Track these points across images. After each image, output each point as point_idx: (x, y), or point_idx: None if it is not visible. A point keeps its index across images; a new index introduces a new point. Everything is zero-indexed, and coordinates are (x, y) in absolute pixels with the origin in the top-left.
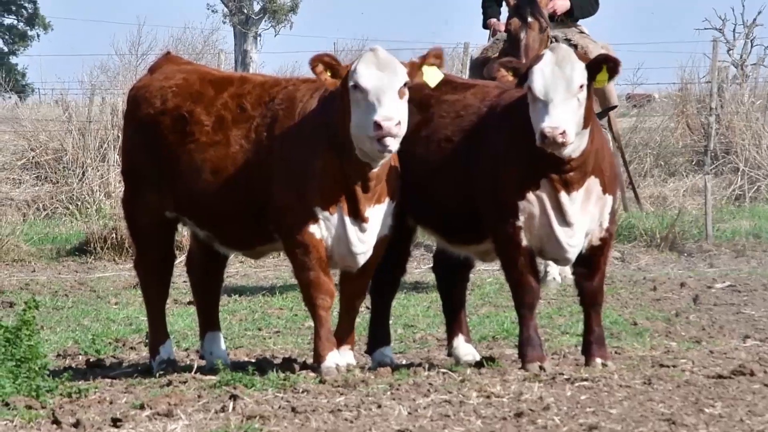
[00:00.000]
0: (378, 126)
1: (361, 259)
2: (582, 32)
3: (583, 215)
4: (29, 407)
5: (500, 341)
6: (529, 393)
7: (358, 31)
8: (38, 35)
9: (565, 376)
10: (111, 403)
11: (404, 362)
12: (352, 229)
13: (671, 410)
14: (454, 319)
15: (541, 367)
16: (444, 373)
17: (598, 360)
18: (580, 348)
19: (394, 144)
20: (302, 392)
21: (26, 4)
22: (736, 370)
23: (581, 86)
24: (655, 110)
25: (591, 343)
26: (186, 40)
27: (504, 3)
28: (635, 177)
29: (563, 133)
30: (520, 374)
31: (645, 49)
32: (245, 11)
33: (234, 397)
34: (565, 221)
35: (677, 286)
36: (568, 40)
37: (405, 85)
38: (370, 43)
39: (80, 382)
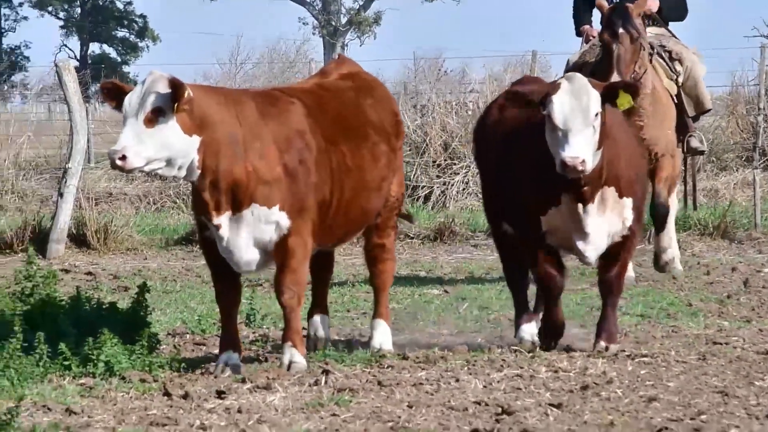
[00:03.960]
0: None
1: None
2: (675, 37)
3: (601, 223)
4: (143, 380)
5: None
6: (594, 368)
7: (436, 40)
8: (148, 46)
9: (627, 353)
10: (215, 377)
11: (480, 340)
12: None
13: (724, 383)
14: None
15: (547, 349)
16: (516, 351)
17: (602, 343)
18: (639, 327)
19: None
20: (387, 367)
21: (137, 19)
22: None
23: (596, 114)
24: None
25: (600, 328)
26: (280, 50)
27: (596, 7)
28: (690, 171)
29: (583, 161)
30: (586, 351)
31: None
32: (333, 23)
33: (326, 372)
34: (581, 231)
35: (729, 270)
36: (662, 47)
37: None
38: (448, 51)
39: (188, 358)
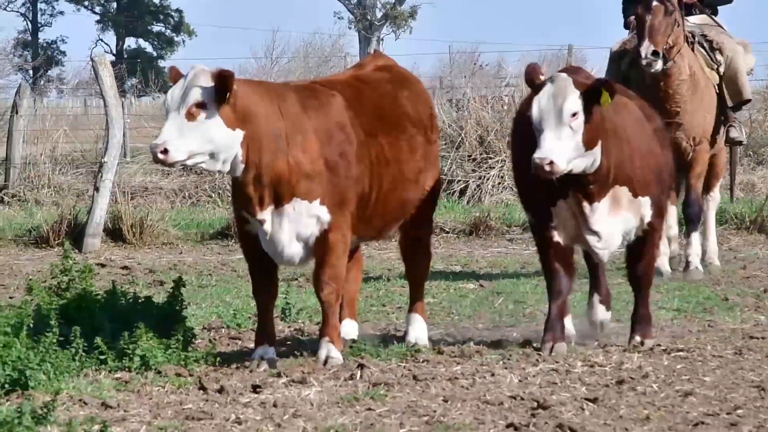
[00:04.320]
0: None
1: None
2: (719, 26)
3: (613, 221)
4: (178, 375)
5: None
6: (630, 362)
7: (472, 34)
8: (184, 41)
9: (663, 347)
10: (251, 371)
11: (515, 334)
12: None
13: (760, 378)
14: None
15: (551, 349)
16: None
17: (638, 338)
18: (675, 321)
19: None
20: (422, 362)
21: (173, 13)
22: None
23: (574, 114)
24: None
25: (634, 323)
26: (316, 44)
27: None
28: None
29: (550, 163)
30: (621, 346)
31: None
32: (369, 18)
33: (361, 367)
34: (589, 228)
35: (765, 264)
36: (704, 36)
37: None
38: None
39: (223, 352)
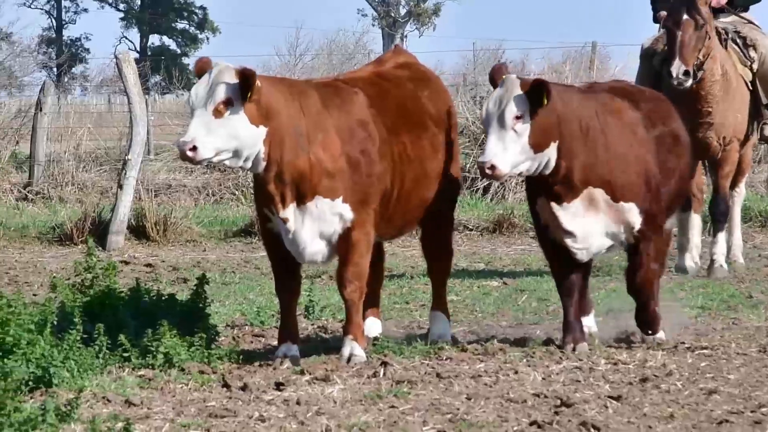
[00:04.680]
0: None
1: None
2: (752, 23)
3: (590, 222)
4: (202, 372)
5: (626, 313)
6: (653, 360)
7: (496, 32)
8: (207, 38)
9: (686, 345)
10: (274, 369)
11: (539, 332)
12: None
13: None
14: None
15: (573, 350)
16: None
17: (649, 338)
18: (700, 319)
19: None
20: (446, 359)
21: (197, 11)
22: None
23: (517, 117)
24: None
25: (638, 321)
26: (339, 41)
27: None
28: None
29: (492, 167)
30: (645, 343)
31: None
32: (393, 15)
33: (384, 364)
34: (561, 228)
35: None
36: (737, 32)
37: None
38: (507, 43)
39: (247, 350)
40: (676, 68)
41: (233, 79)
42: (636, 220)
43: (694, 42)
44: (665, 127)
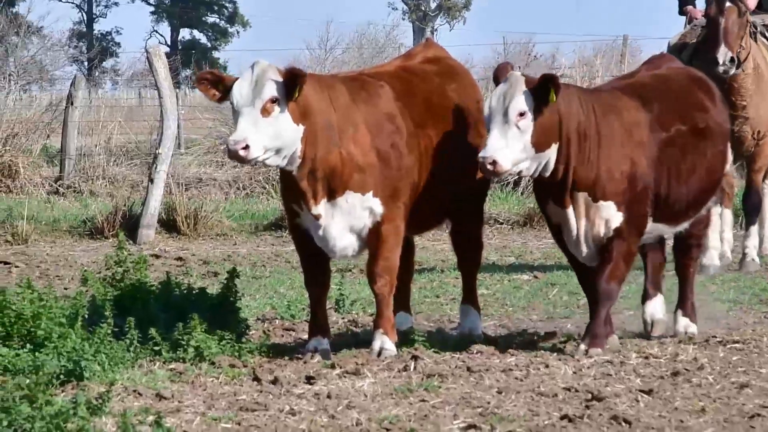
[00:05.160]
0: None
1: None
2: None
3: (582, 227)
4: (232, 366)
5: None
6: (685, 354)
7: (526, 25)
8: (238, 32)
9: (718, 339)
10: (305, 362)
11: (570, 326)
12: None
13: None
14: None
15: (586, 352)
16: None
17: (582, 347)
18: (731, 312)
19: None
20: (476, 353)
21: (227, 4)
22: None
23: (520, 114)
24: None
25: (586, 330)
26: (370, 35)
27: None
28: None
29: (493, 162)
30: (677, 337)
31: None
32: (423, 8)
33: (415, 358)
34: (566, 233)
35: None
36: (766, 26)
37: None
38: (537, 36)
39: (277, 344)
40: (723, 54)
41: (278, 77)
42: (613, 219)
43: (737, 29)
44: (685, 126)
